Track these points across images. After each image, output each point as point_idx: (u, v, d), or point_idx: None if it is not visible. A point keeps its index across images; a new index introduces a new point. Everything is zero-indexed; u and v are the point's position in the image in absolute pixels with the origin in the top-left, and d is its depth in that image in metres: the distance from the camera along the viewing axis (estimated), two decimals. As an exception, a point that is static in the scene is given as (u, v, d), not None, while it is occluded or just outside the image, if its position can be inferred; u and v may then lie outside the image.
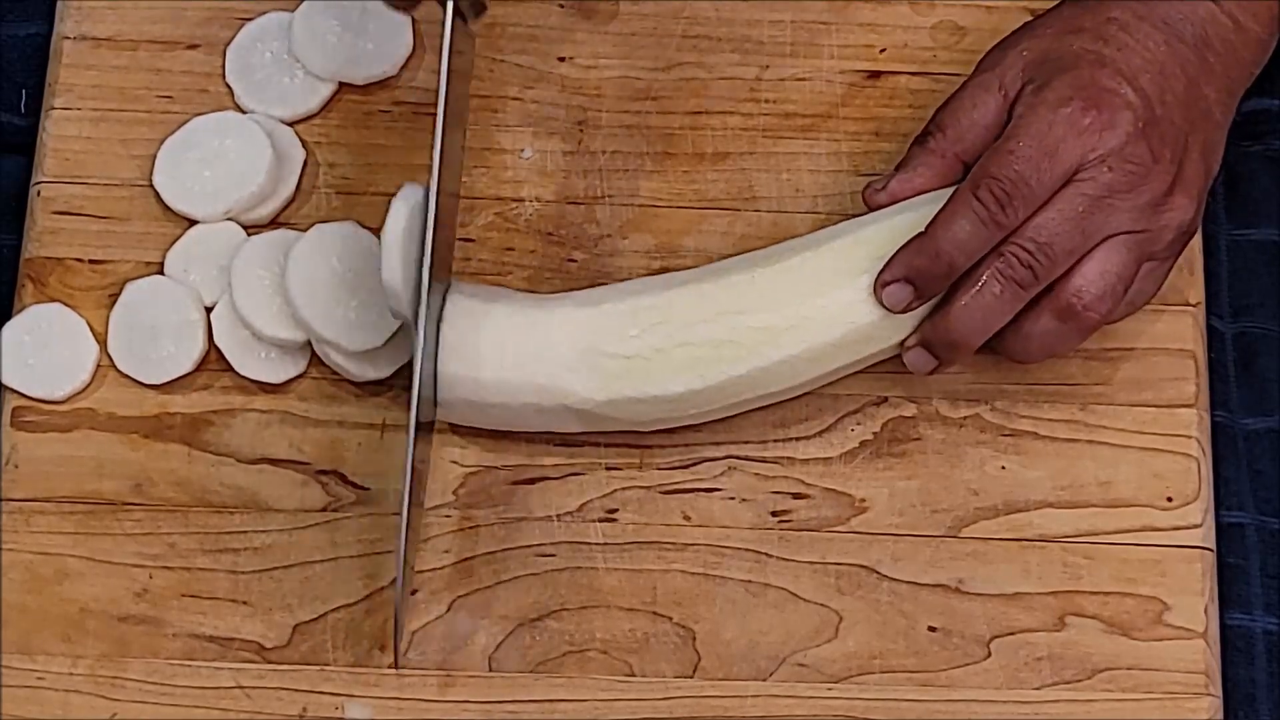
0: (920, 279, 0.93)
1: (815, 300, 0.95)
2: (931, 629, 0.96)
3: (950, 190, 0.95)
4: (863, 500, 0.98)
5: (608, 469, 0.98)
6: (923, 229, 0.94)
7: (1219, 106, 0.96)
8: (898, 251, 0.94)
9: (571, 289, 0.99)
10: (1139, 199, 0.93)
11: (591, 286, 0.98)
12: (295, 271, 0.98)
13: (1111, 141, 0.92)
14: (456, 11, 0.95)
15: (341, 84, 1.04)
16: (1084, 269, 0.93)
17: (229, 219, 1.01)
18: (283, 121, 1.04)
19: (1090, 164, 0.92)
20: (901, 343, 0.96)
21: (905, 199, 0.96)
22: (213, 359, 1.00)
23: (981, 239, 0.93)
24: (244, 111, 1.04)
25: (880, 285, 0.94)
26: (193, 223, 1.02)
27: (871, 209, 0.97)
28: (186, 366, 0.99)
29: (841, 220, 1.00)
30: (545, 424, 0.96)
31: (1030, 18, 1.04)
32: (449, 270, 0.99)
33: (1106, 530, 0.98)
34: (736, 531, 0.98)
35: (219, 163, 1.02)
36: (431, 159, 0.92)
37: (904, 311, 0.94)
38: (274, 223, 1.02)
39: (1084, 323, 0.94)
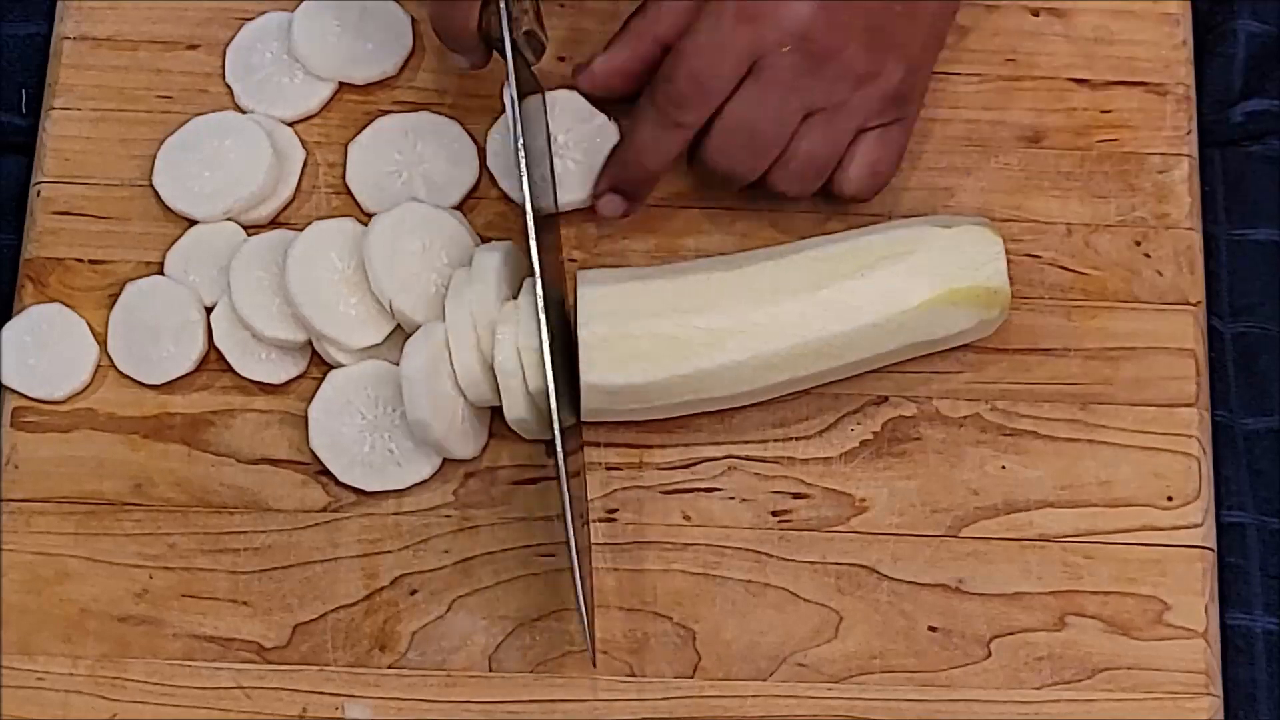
0: (625, 187, 0.99)
1: (766, 308, 0.94)
2: (931, 629, 0.96)
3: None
4: (863, 500, 0.98)
5: (608, 469, 0.98)
6: None
7: None
8: (604, 164, 0.99)
9: (571, 289, 0.99)
10: (830, 73, 0.95)
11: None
12: (294, 269, 0.98)
13: (787, 24, 0.94)
14: (518, 59, 0.96)
15: (341, 84, 1.04)
16: (785, 156, 0.96)
17: (229, 219, 1.01)
18: (283, 122, 1.04)
19: (769, 49, 0.94)
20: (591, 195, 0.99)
21: (607, 79, 0.99)
22: (213, 359, 1.00)
23: (669, 141, 0.96)
24: (244, 111, 1.04)
25: (594, 199, 0.99)
26: (193, 223, 1.02)
27: (581, 90, 1.00)
28: (186, 367, 1.00)
29: (841, 220, 1.01)
30: (488, 400, 0.96)
31: (1032, 16, 1.05)
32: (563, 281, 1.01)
33: (1107, 530, 0.98)
34: (736, 531, 0.98)
35: (219, 163, 1.02)
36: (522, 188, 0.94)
37: (622, 217, 0.99)
38: (274, 223, 1.02)
39: (792, 192, 0.98)
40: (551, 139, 1.01)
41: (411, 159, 1.02)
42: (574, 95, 1.02)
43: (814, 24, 0.94)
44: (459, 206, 1.02)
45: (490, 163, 1.02)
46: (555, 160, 1.01)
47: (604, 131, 1.01)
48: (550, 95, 1.01)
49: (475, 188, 1.02)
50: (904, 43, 0.96)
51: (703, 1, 0.95)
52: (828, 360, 0.95)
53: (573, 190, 1.01)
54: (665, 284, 0.95)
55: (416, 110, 1.03)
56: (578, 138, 1.01)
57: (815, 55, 0.94)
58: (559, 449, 0.92)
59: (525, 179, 0.94)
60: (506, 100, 0.97)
